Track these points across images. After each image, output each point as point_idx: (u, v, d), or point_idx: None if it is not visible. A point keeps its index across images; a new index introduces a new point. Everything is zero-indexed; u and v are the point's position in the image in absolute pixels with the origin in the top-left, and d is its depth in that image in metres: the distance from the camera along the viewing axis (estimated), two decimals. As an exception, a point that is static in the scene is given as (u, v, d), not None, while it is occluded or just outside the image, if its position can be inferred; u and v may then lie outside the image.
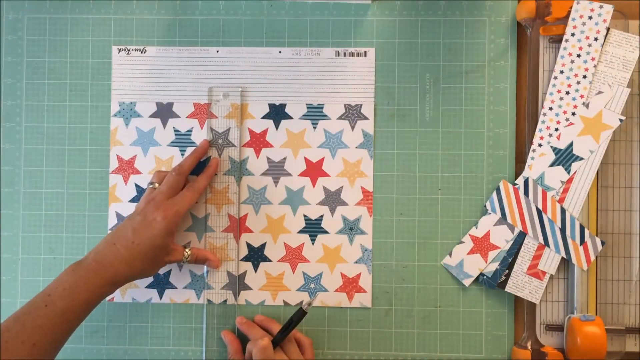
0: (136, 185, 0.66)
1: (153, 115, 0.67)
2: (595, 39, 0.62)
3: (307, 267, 0.66)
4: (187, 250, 0.63)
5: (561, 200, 0.62)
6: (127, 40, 0.67)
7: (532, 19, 0.63)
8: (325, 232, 0.66)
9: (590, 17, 0.62)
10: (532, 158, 0.63)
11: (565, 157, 0.62)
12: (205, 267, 0.65)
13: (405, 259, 0.65)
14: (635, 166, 0.64)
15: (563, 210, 0.62)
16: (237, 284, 0.66)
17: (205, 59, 0.67)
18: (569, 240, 0.62)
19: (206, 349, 0.65)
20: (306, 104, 0.66)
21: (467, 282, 0.64)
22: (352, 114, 0.66)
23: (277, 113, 0.66)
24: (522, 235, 0.64)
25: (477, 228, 0.65)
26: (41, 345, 0.53)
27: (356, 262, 0.65)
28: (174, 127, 0.66)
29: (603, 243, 0.62)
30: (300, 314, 0.60)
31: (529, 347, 0.63)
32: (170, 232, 0.59)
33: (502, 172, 0.65)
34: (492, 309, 0.65)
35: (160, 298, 0.66)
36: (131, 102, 0.67)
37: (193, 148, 0.65)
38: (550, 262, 0.63)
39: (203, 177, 0.63)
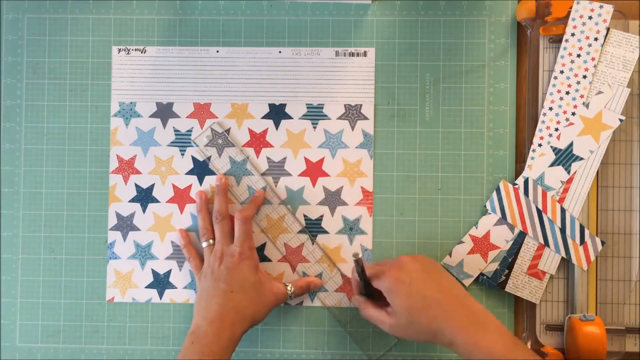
0: (136, 185, 0.66)
1: (153, 115, 0.67)
2: (595, 39, 0.62)
3: (307, 267, 0.66)
4: (288, 287, 0.63)
5: (561, 200, 0.62)
6: (127, 40, 0.67)
7: (532, 19, 0.63)
8: (325, 232, 0.66)
9: (590, 17, 0.62)
10: (532, 158, 0.63)
11: (565, 157, 0.62)
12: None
13: (405, 259, 0.65)
14: (635, 166, 0.64)
15: (563, 210, 0.62)
16: (237, 284, 0.66)
17: (205, 59, 0.67)
18: (569, 240, 0.62)
19: (206, 349, 0.65)
20: (306, 104, 0.66)
21: (467, 282, 0.64)
22: (352, 114, 0.66)
23: (277, 113, 0.66)
24: (522, 235, 0.64)
25: (477, 228, 0.65)
26: None
27: (356, 262, 0.65)
28: (174, 127, 0.66)
29: (603, 243, 0.62)
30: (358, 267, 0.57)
31: (529, 347, 0.63)
32: (256, 266, 0.61)
33: (502, 172, 0.65)
34: (492, 309, 0.65)
35: (160, 298, 0.66)
36: (131, 102, 0.67)
37: (215, 184, 0.66)
38: (550, 262, 0.63)
39: (251, 207, 0.64)
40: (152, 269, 0.66)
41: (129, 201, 0.66)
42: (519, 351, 0.52)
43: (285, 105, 0.66)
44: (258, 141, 0.66)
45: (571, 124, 0.63)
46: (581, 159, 0.62)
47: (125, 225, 0.66)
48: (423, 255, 0.59)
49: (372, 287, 0.59)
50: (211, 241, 0.63)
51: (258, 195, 0.65)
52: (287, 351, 0.65)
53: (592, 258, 0.62)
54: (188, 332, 0.58)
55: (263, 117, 0.66)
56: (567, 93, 0.63)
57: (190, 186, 0.66)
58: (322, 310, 0.66)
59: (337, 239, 0.66)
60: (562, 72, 0.63)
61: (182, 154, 0.66)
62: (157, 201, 0.66)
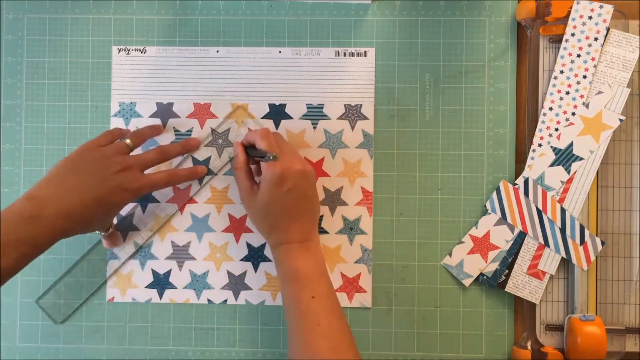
0: (136, 185, 0.66)
1: (153, 115, 0.67)
2: (595, 39, 0.62)
3: (307, 267, 0.66)
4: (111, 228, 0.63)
5: (561, 200, 0.62)
6: (127, 40, 0.67)
7: (532, 19, 0.63)
8: (325, 232, 0.66)
9: (590, 17, 0.62)
10: (532, 158, 0.63)
11: (565, 157, 0.62)
12: (205, 266, 0.65)
13: (405, 259, 0.65)
14: (635, 166, 0.64)
15: (563, 210, 0.62)
16: (237, 284, 0.66)
17: (205, 59, 0.67)
18: (569, 240, 0.62)
19: (206, 349, 0.65)
20: (306, 104, 0.66)
21: (467, 282, 0.64)
22: (352, 114, 0.66)
23: (277, 113, 0.66)
24: (522, 235, 0.64)
25: (477, 228, 0.65)
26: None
27: (356, 262, 0.65)
28: (174, 127, 0.66)
29: (603, 243, 0.62)
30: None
31: (529, 347, 0.63)
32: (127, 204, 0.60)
33: (502, 172, 0.65)
34: (492, 309, 0.65)
35: (160, 298, 0.66)
36: (131, 102, 0.67)
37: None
38: (550, 262, 0.63)
39: (185, 171, 0.64)
40: (152, 269, 0.66)
41: (129, 201, 0.66)
42: (318, 283, 0.58)
43: (285, 105, 0.66)
44: (258, 141, 0.66)
45: (571, 124, 0.63)
46: (581, 159, 0.62)
47: (125, 225, 0.66)
48: (311, 170, 0.60)
49: (256, 160, 0.62)
50: (129, 141, 0.61)
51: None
52: (287, 351, 0.65)
53: (592, 258, 0.62)
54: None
55: (263, 117, 0.66)
56: (567, 93, 0.63)
57: (190, 186, 0.66)
58: (322, 310, 0.65)
59: (337, 239, 0.66)
60: (562, 72, 0.63)
61: (182, 154, 0.66)
62: (157, 201, 0.66)
